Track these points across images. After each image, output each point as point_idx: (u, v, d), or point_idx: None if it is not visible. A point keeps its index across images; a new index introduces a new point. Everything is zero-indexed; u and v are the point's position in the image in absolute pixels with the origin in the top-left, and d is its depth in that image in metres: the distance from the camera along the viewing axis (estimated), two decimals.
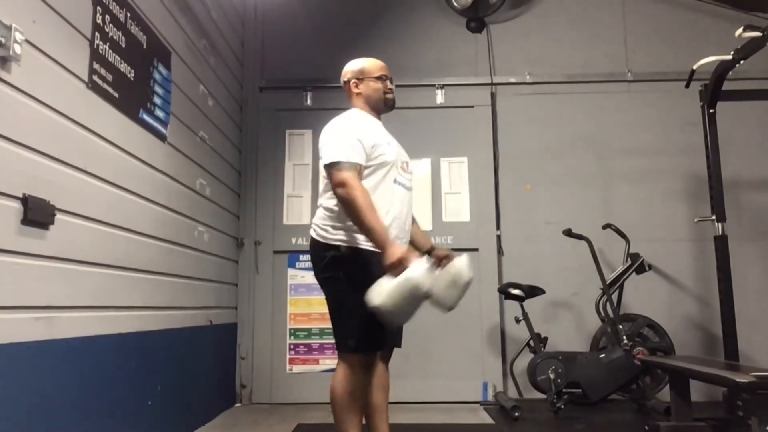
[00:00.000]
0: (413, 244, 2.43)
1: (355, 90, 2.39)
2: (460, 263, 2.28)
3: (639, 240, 4.08)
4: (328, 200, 2.26)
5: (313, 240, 2.28)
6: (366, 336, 2.16)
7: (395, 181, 2.28)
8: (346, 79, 2.43)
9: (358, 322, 2.15)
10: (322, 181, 2.31)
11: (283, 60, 4.60)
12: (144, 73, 2.76)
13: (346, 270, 2.18)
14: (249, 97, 4.54)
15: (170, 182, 3.07)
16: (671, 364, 3.07)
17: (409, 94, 4.34)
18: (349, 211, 2.11)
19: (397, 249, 2.05)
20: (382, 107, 2.41)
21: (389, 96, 2.40)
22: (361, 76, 2.39)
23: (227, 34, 4.17)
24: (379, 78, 2.38)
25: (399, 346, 2.40)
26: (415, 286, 2.00)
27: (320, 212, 2.28)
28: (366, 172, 2.22)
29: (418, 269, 2.01)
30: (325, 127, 2.30)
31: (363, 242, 2.18)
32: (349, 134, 2.21)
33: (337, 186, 2.13)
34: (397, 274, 2.01)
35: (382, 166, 2.24)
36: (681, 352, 4.03)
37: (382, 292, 2.01)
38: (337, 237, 2.20)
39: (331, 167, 2.15)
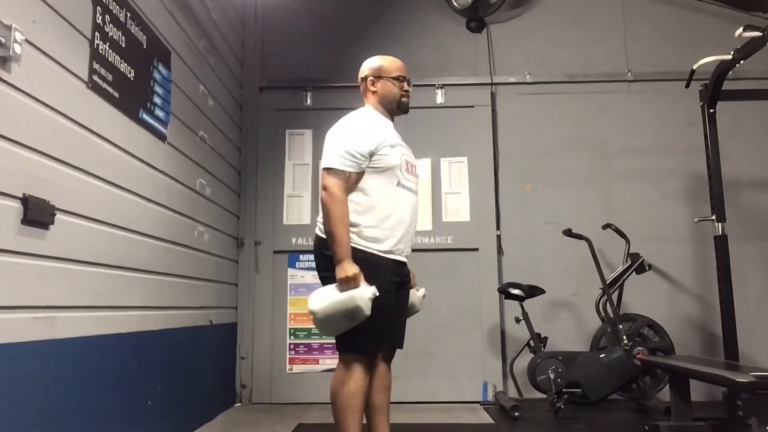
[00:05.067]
0: None
1: (372, 88, 2.38)
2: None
3: (639, 240, 4.09)
4: None
5: (317, 237, 2.30)
6: (366, 336, 2.16)
7: (399, 184, 2.27)
8: (363, 76, 2.42)
9: (360, 322, 2.15)
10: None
11: (283, 60, 4.60)
12: (144, 73, 2.76)
13: None
14: (249, 97, 4.54)
15: (170, 182, 3.07)
16: (671, 364, 3.07)
17: None
18: (324, 215, 2.18)
19: (352, 267, 2.10)
20: (395, 109, 2.40)
21: (404, 99, 2.40)
22: (378, 75, 2.38)
23: (227, 34, 4.17)
24: (396, 78, 2.38)
25: (401, 347, 2.40)
26: (356, 307, 2.06)
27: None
28: (369, 172, 2.22)
29: (366, 293, 2.06)
30: (335, 126, 2.30)
31: (364, 245, 2.19)
32: (352, 138, 2.21)
33: (322, 189, 2.19)
34: (343, 290, 2.08)
35: (386, 169, 2.23)
36: (681, 352, 4.04)
37: (322, 300, 2.09)
38: None
39: (324, 170, 2.20)
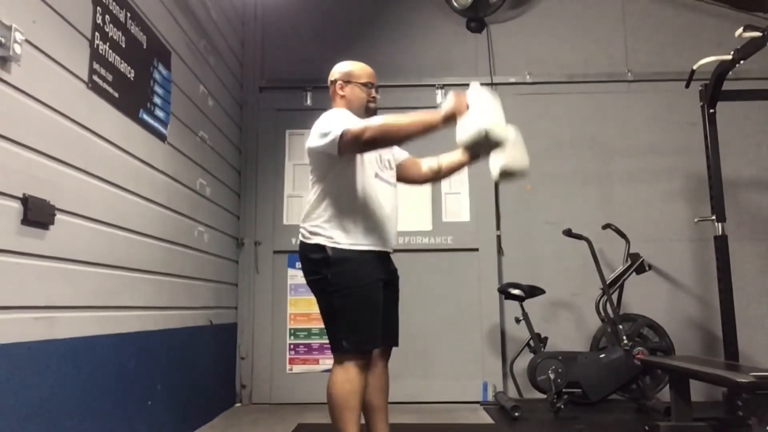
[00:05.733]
0: (449, 164, 2.50)
1: (340, 92, 2.39)
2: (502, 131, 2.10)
3: (639, 240, 4.08)
4: (313, 204, 2.26)
5: (300, 243, 2.29)
6: (358, 335, 2.17)
7: (376, 176, 2.28)
8: (332, 79, 2.43)
9: (350, 322, 2.16)
10: (309, 184, 2.31)
11: (283, 60, 4.60)
12: (144, 73, 2.76)
13: (333, 270, 2.18)
14: (249, 97, 4.54)
15: (170, 182, 3.07)
16: (671, 364, 3.08)
17: (409, 94, 4.35)
18: (389, 137, 2.10)
19: (447, 107, 2.03)
20: (362, 114, 2.37)
21: (371, 105, 2.39)
22: (347, 79, 2.38)
23: (227, 34, 4.17)
24: (365, 84, 2.37)
25: (396, 344, 2.40)
26: (486, 95, 1.99)
27: (306, 215, 2.29)
28: (345, 166, 2.21)
29: (474, 88, 2.01)
30: (315, 124, 2.26)
31: (347, 243, 2.19)
32: (342, 116, 2.21)
33: (357, 138, 2.06)
34: (469, 110, 1.99)
35: (360, 163, 2.23)
36: (681, 352, 4.03)
37: (475, 119, 1.96)
38: (323, 238, 2.20)
39: (341, 138, 2.09)
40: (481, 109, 1.97)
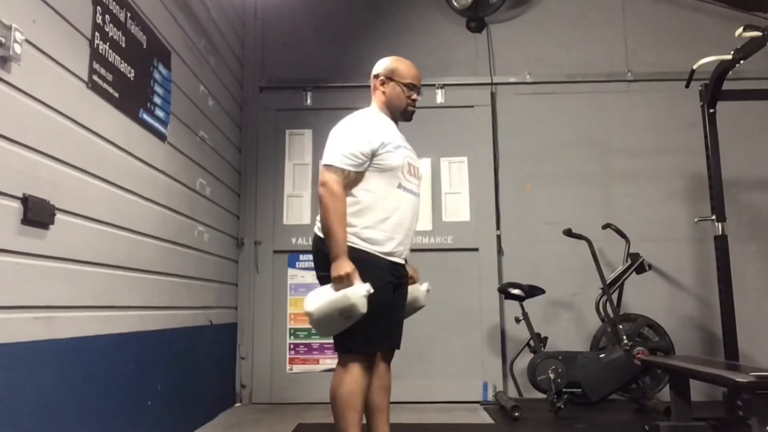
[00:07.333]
0: None
1: (381, 88, 2.36)
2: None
3: (639, 240, 4.08)
4: None
5: (314, 236, 2.30)
6: (365, 337, 2.16)
7: (400, 185, 2.26)
8: (376, 73, 2.39)
9: (358, 323, 2.15)
10: None
11: (283, 60, 4.60)
12: (144, 73, 2.76)
13: None
14: (249, 97, 4.54)
15: (170, 182, 3.07)
16: (671, 364, 3.07)
17: None
18: (322, 211, 2.17)
19: (346, 264, 2.09)
20: (398, 115, 2.37)
21: (410, 108, 2.37)
22: (390, 76, 2.35)
23: (227, 34, 4.17)
24: (407, 85, 2.34)
25: (398, 347, 2.40)
26: (351, 305, 2.04)
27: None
28: (370, 173, 2.21)
29: (361, 291, 2.05)
30: (339, 124, 2.29)
31: (361, 244, 2.18)
32: (354, 137, 2.20)
33: (320, 184, 2.18)
34: (338, 288, 2.07)
35: (388, 170, 2.22)
36: (681, 352, 4.03)
37: (317, 300, 2.08)
38: None
39: (324, 166, 2.20)
40: (323, 298, 2.08)
